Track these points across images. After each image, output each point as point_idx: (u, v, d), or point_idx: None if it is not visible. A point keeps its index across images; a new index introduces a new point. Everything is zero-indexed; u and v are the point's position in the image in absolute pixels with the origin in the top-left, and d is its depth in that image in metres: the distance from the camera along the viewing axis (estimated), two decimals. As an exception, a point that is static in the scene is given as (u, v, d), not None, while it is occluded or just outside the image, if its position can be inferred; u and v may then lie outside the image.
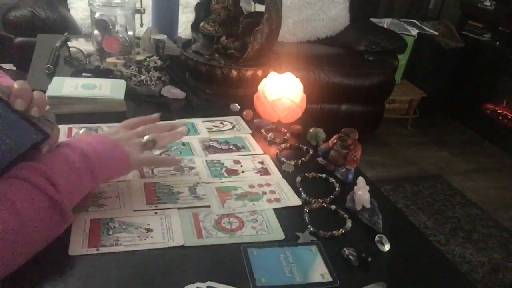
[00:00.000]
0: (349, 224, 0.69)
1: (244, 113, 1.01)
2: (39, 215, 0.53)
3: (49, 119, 0.61)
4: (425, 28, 3.22)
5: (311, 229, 0.66)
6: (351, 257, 0.61)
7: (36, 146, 0.59)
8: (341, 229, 0.67)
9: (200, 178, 0.76)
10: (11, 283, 0.52)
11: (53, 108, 0.89)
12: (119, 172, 0.67)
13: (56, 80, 0.99)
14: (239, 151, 0.87)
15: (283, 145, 0.90)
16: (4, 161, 0.56)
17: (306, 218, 0.69)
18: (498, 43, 3.10)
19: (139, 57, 1.18)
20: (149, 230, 0.63)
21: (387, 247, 0.65)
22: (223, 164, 0.82)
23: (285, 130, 0.96)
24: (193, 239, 0.62)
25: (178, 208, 0.68)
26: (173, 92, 1.06)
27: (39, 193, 0.54)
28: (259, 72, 1.08)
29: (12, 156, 0.57)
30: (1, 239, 0.49)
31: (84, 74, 1.11)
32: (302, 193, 0.75)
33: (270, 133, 0.93)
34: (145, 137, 0.70)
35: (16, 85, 0.56)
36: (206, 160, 0.82)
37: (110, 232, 0.61)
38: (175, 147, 0.85)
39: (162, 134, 0.73)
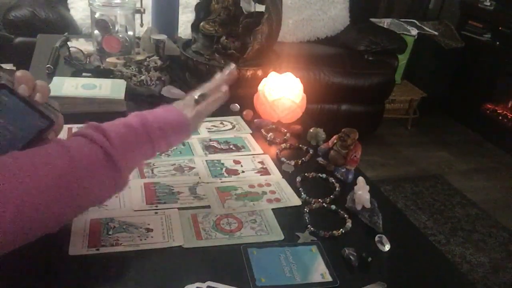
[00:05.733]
0: (349, 224, 0.69)
1: (244, 113, 1.01)
2: (93, 164, 0.54)
3: (54, 107, 0.60)
4: (425, 28, 3.22)
5: (311, 229, 0.66)
6: (351, 257, 0.61)
7: (42, 133, 0.58)
8: (341, 229, 0.67)
9: (200, 178, 0.76)
10: (11, 282, 0.52)
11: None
12: (181, 134, 0.66)
13: (56, 80, 0.99)
14: (239, 151, 0.87)
15: (283, 145, 0.90)
16: (10, 149, 0.54)
17: (306, 218, 0.69)
18: (498, 43, 3.10)
19: (139, 57, 1.18)
20: (149, 230, 0.63)
21: (387, 247, 0.65)
22: (223, 164, 0.82)
23: (285, 130, 0.96)
24: (192, 240, 0.62)
25: (178, 208, 0.68)
26: (173, 92, 1.06)
27: (93, 144, 0.56)
28: (259, 72, 1.08)
29: (18, 144, 0.56)
30: (54, 183, 0.49)
31: (84, 74, 1.11)
32: (302, 193, 0.75)
33: (270, 133, 0.93)
34: (195, 94, 0.69)
35: (18, 73, 0.57)
36: (206, 160, 0.82)
37: (110, 232, 0.62)
38: (175, 147, 0.85)
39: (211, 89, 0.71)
